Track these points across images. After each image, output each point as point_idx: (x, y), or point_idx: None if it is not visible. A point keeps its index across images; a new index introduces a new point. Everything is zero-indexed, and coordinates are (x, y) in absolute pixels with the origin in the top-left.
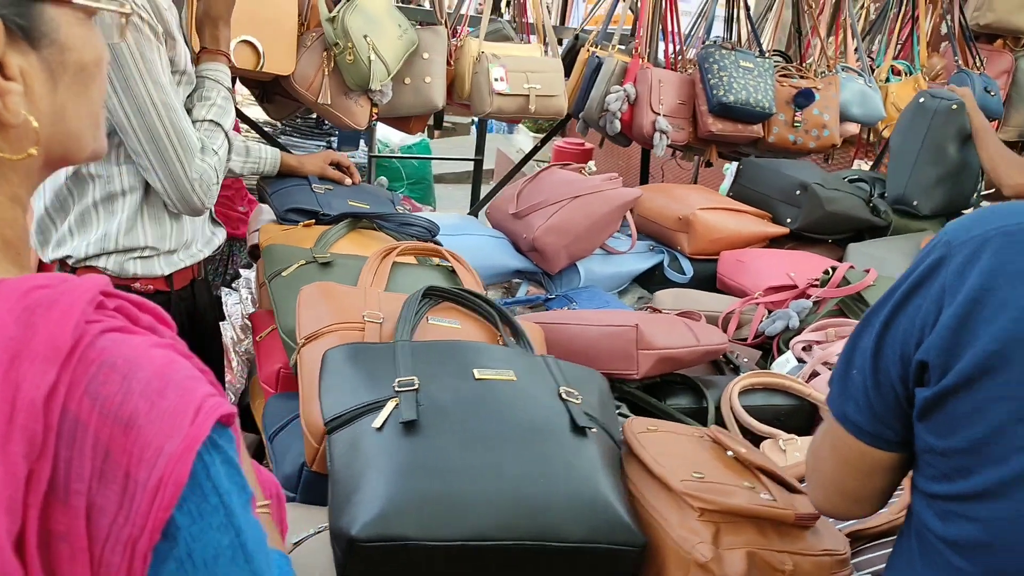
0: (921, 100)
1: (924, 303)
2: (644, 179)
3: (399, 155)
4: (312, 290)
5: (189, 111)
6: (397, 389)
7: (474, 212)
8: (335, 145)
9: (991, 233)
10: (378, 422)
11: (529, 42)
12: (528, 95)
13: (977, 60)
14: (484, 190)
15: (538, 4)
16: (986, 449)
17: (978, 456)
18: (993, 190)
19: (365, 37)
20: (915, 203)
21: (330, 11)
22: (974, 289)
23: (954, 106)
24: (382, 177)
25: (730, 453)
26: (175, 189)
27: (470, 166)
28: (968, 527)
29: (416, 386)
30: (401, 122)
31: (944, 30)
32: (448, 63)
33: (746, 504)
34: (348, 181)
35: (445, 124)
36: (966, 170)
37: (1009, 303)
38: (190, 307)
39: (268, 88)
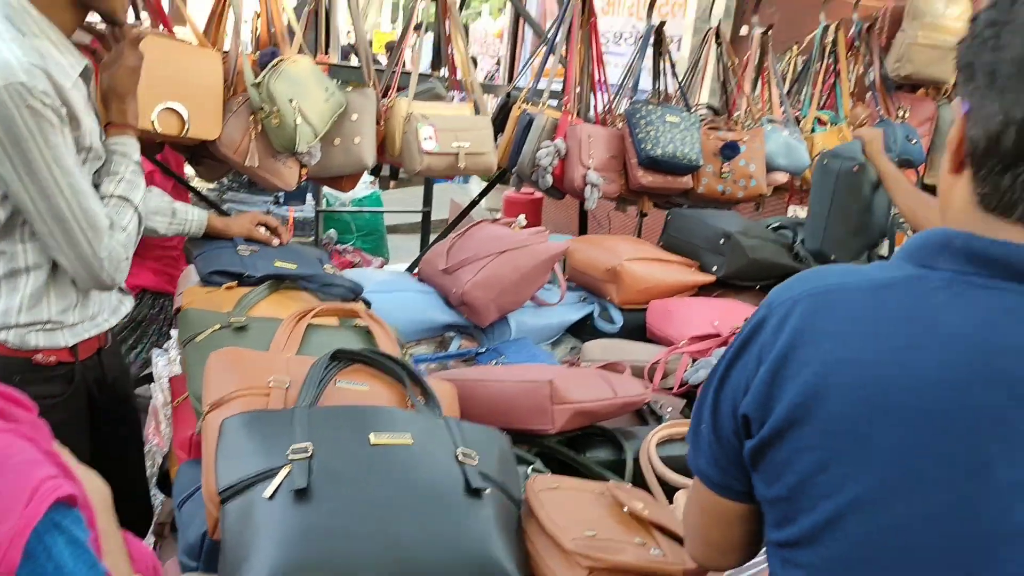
0: (824, 162)
1: (748, 360)
2: (583, 230)
3: (348, 209)
4: (220, 356)
5: (97, 186)
6: (290, 457)
7: None
8: (282, 200)
9: (800, 295)
10: (269, 491)
11: (460, 98)
12: (457, 153)
13: (899, 109)
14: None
15: (466, 63)
16: (800, 497)
17: (796, 503)
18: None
19: (291, 101)
20: (832, 257)
21: (256, 76)
22: (784, 347)
23: (855, 168)
24: (331, 231)
25: (626, 509)
26: (84, 268)
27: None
28: (797, 572)
29: (310, 453)
30: (332, 181)
31: (867, 81)
32: (378, 123)
33: (634, 561)
34: (275, 242)
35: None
36: (880, 212)
37: (811, 359)
38: (98, 376)
39: (196, 152)
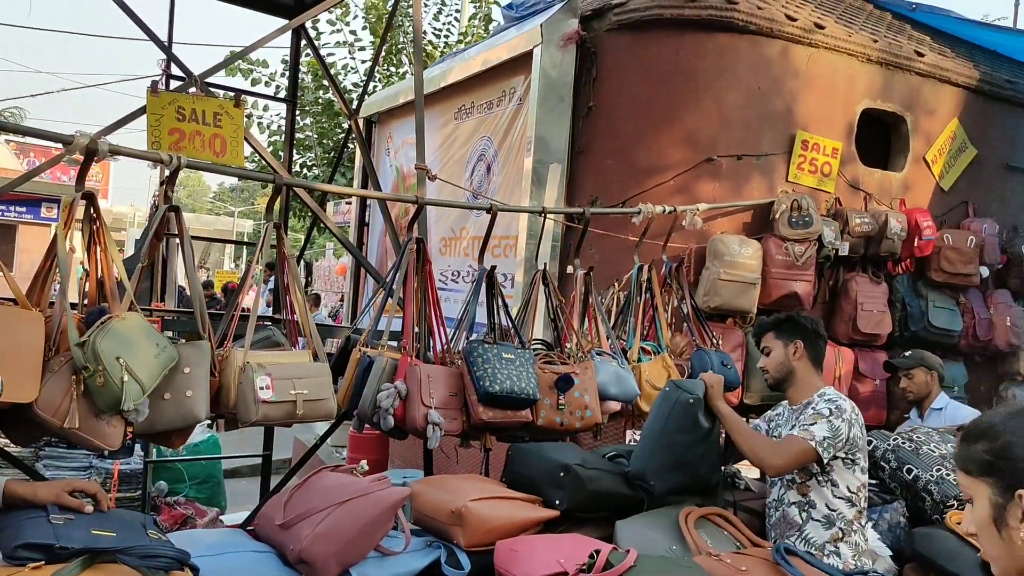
0: (667, 389)
1: None
2: (428, 469)
3: (181, 458)
4: None
5: None
6: None
7: None
8: (106, 453)
9: None
10: None
11: (297, 346)
12: (295, 400)
13: (712, 338)
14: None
15: (304, 312)
16: None
17: None
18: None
19: (118, 359)
20: (651, 483)
21: (82, 335)
22: None
23: (691, 400)
24: (161, 483)
25: None
26: None
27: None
28: None
29: None
30: (161, 438)
31: (682, 313)
32: (212, 374)
33: None
34: (89, 508)
35: None
36: (705, 457)
37: None
38: None
39: (8, 415)
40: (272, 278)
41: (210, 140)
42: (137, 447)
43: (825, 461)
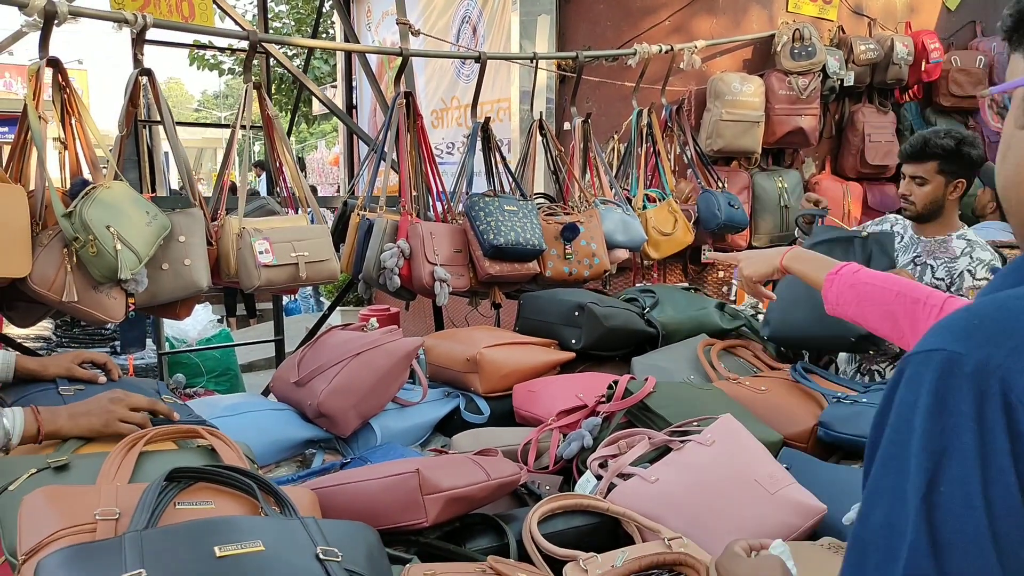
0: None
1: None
2: (439, 328)
3: (194, 348)
4: (34, 498)
5: None
6: None
7: None
8: (119, 349)
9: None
10: None
11: (295, 213)
12: (297, 263)
13: (718, 180)
14: None
15: (297, 176)
16: None
17: None
18: None
19: (108, 227)
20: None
21: (66, 207)
22: None
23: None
24: (178, 375)
25: None
26: None
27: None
28: None
29: None
30: (164, 309)
31: (686, 159)
32: (210, 244)
33: None
34: (102, 378)
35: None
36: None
37: None
38: None
39: (6, 294)
40: (263, 176)
41: (176, 5)
42: (149, 341)
43: None
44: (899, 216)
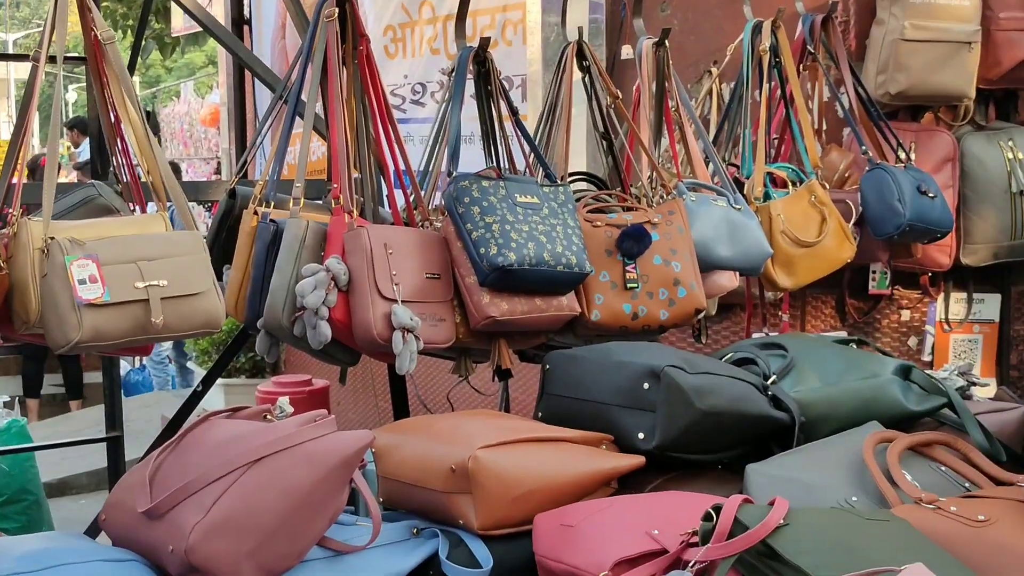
0: None
1: None
2: (401, 411)
3: None
4: None
5: None
6: None
7: None
8: None
9: None
10: None
11: (143, 210)
12: (147, 299)
13: (899, 148)
14: None
15: (148, 144)
16: None
17: None
18: None
19: None
20: None
21: None
22: None
23: None
24: None
25: None
26: None
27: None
28: None
29: None
30: None
31: (841, 111)
32: None
33: None
34: None
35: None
36: None
37: None
38: None
39: None
40: (85, 144)
41: None
42: None
43: None
44: None
